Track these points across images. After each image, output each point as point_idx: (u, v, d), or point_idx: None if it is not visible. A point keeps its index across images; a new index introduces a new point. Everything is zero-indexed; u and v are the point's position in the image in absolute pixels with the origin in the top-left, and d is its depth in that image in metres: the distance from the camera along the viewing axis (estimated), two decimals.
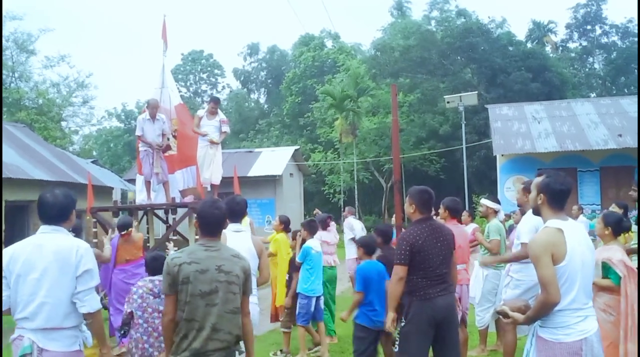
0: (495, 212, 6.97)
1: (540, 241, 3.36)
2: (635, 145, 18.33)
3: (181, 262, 3.42)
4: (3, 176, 14.17)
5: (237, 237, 4.79)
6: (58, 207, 3.58)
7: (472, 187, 26.12)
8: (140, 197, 10.81)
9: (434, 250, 4.55)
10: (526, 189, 5.63)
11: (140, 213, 10.90)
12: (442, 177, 32.16)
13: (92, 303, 3.46)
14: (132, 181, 18.99)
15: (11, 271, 3.41)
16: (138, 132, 9.89)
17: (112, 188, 21.45)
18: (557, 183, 3.46)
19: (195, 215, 5.68)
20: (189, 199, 10.23)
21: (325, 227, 8.13)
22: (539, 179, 3.56)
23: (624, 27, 43.00)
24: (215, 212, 3.64)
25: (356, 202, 30.08)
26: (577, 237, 3.38)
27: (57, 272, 3.40)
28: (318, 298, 6.99)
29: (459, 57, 34.67)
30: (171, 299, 3.43)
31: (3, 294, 3.42)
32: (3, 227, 15.45)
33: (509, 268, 5.80)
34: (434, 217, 5.13)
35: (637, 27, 37.00)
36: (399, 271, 4.51)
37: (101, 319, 3.58)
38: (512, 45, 35.03)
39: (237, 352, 3.61)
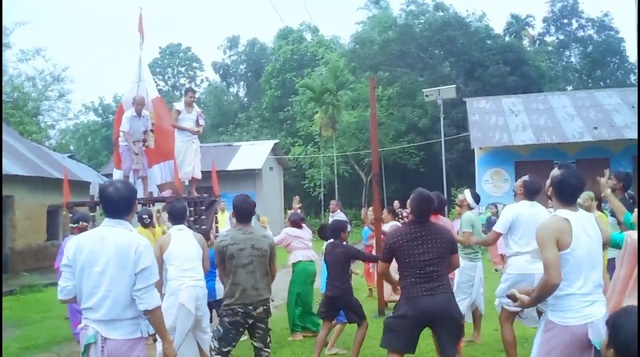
0: (470, 207, 7.02)
1: (547, 227, 3.54)
2: (610, 138, 18.61)
3: (226, 243, 4.84)
4: None
5: (181, 234, 5.86)
6: (123, 201, 3.61)
7: (451, 180, 26.32)
8: None
9: (418, 250, 4.63)
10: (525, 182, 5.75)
11: None
12: (421, 170, 32.32)
13: (150, 300, 3.50)
14: (110, 176, 18.79)
15: (76, 261, 3.50)
16: (124, 128, 9.76)
17: (90, 183, 21.23)
18: (566, 181, 3.63)
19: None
20: (166, 193, 10.15)
21: (299, 226, 8.22)
22: (555, 172, 3.72)
23: (599, 21, 43.57)
24: (247, 206, 5.01)
25: (336, 195, 30.14)
26: (583, 227, 3.55)
27: (117, 267, 3.46)
28: None
29: (437, 51, 34.82)
30: (222, 267, 4.94)
31: (69, 284, 3.53)
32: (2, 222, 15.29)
33: (507, 263, 5.86)
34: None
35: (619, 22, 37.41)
36: (379, 266, 5.04)
37: (161, 315, 3.64)
38: (490, 39, 35.27)
39: (269, 302, 5.07)
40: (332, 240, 6.64)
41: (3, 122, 23.20)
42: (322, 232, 7.65)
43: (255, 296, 4.84)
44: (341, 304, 6.45)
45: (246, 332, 5.09)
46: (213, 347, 4.88)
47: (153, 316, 3.55)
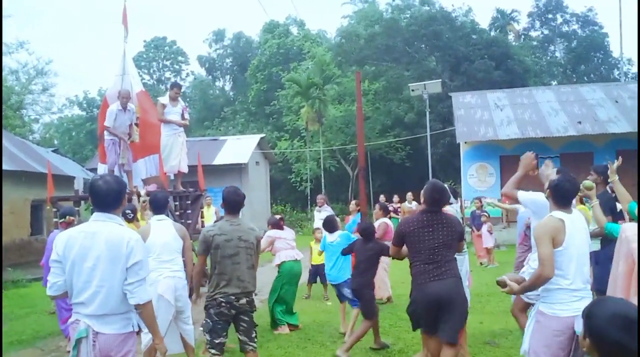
0: (449, 203, 7.05)
1: (544, 226, 3.96)
2: (593, 132, 18.78)
3: (213, 233, 4.84)
4: None
5: (161, 225, 5.76)
6: (113, 195, 3.59)
7: (436, 175, 26.41)
8: None
9: (426, 237, 4.88)
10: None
11: None
12: (407, 165, 32.45)
13: (141, 294, 3.52)
14: (95, 170, 18.67)
15: (67, 257, 3.48)
16: (108, 123, 9.69)
17: (74, 177, 21.06)
18: (561, 186, 4.04)
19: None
20: (151, 187, 10.10)
21: (280, 227, 8.23)
22: (553, 177, 4.22)
23: (584, 16, 43.86)
24: (237, 198, 5.00)
25: (323, 190, 30.16)
26: (576, 228, 3.96)
27: (108, 262, 3.46)
28: (339, 284, 7.47)
29: (423, 45, 34.89)
30: (203, 258, 4.97)
31: (59, 279, 3.51)
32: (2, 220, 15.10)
33: (529, 257, 5.56)
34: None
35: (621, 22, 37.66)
36: (391, 250, 5.38)
37: (152, 309, 3.67)
38: (475, 34, 35.41)
39: (253, 294, 5.02)
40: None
41: None
42: (328, 225, 7.81)
43: (240, 287, 4.81)
44: (358, 295, 6.70)
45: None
46: (207, 341, 4.88)
47: (144, 310, 3.56)
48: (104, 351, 3.43)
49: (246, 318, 4.90)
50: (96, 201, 3.61)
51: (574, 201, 6.14)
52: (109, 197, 3.58)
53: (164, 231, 5.73)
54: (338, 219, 8.43)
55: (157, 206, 5.99)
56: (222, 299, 4.77)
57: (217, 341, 4.81)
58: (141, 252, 3.55)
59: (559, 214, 3.96)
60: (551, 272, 3.80)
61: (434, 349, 5.05)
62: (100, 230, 3.51)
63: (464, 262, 6.82)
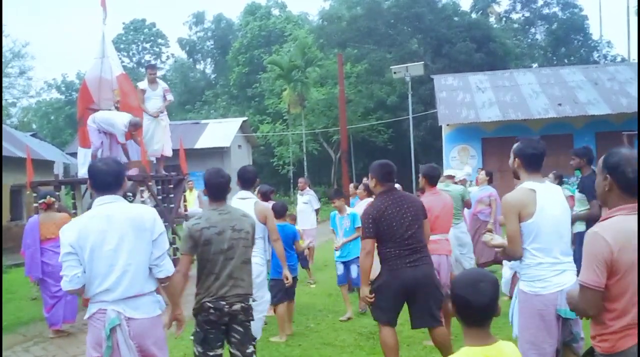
0: None
1: (511, 199, 3.67)
2: (573, 114, 18.98)
3: (201, 227, 3.99)
4: None
5: (242, 205, 4.98)
6: (113, 174, 3.49)
7: (418, 157, 26.51)
8: (82, 171, 10.53)
9: (398, 220, 4.58)
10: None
11: (84, 187, 10.63)
12: (389, 148, 32.49)
13: (168, 267, 3.52)
14: (74, 155, 18.48)
15: (82, 246, 3.32)
16: (108, 130, 9.53)
17: (54, 162, 20.86)
18: (530, 147, 3.75)
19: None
20: (133, 172, 10.02)
21: (267, 199, 8.07)
22: (515, 145, 3.84)
23: None
24: (221, 180, 4.19)
25: (305, 173, 30.15)
26: (549, 197, 3.66)
27: (133, 239, 3.38)
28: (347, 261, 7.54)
29: (405, 27, 34.79)
30: (188, 258, 4.07)
31: (77, 271, 3.32)
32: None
33: None
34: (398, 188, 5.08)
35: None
36: (366, 245, 4.67)
37: (177, 281, 3.73)
38: (457, 16, 35.36)
39: (250, 299, 4.18)
40: None
41: None
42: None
43: (231, 287, 4.01)
44: None
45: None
46: (197, 354, 4.03)
47: (170, 282, 3.57)
48: (138, 337, 3.34)
49: (240, 329, 4.06)
50: (98, 183, 3.50)
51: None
52: (109, 178, 3.48)
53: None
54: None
55: (245, 180, 5.31)
56: (210, 305, 3.96)
57: (211, 354, 4.00)
58: (162, 224, 3.54)
59: (529, 184, 3.67)
60: (518, 251, 3.61)
61: (389, 339, 4.65)
62: (115, 211, 3.41)
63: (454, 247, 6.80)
